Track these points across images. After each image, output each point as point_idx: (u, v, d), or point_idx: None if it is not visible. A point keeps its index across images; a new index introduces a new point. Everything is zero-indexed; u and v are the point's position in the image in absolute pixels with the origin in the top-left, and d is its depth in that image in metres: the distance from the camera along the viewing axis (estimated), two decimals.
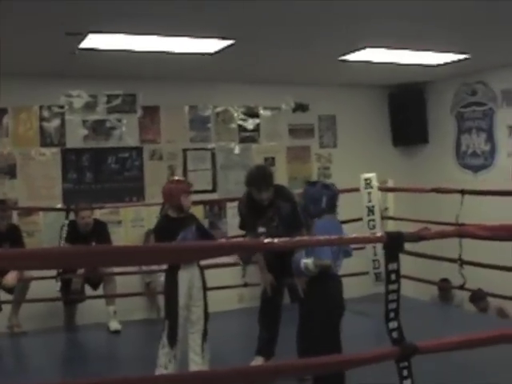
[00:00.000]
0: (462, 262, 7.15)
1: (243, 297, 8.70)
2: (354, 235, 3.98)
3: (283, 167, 10.26)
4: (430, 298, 9.47)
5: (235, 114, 10.10)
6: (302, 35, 7.26)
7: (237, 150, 10.05)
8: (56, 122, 9.09)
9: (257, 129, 10.21)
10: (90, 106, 9.25)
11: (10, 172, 8.80)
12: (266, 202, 5.63)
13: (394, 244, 3.46)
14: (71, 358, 6.90)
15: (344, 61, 8.57)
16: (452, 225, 6.74)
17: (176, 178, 7.29)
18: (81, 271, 7.64)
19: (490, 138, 10.09)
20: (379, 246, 7.10)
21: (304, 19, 6.58)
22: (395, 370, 3.59)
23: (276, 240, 3.35)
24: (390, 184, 8.86)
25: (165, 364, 5.21)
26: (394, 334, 3.55)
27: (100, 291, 7.90)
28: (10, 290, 7.48)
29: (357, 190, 8.21)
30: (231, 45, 7.40)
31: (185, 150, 9.75)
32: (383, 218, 8.32)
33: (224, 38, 7.20)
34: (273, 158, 10.20)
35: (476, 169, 10.29)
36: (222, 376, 3.41)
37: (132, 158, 9.44)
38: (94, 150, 9.26)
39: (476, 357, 4.80)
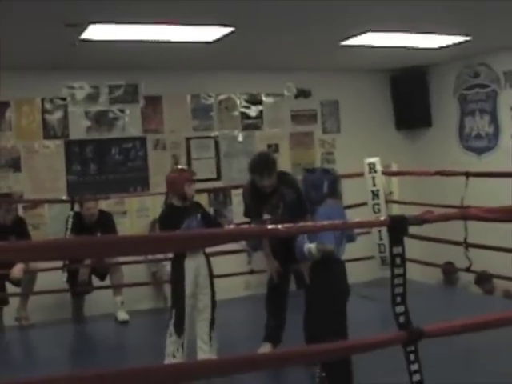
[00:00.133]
0: (468, 245, 7.14)
1: (250, 284, 8.71)
2: (357, 219, 3.97)
3: (287, 153, 10.25)
4: (437, 282, 9.47)
5: (238, 102, 10.09)
6: (302, 21, 7.23)
7: (240, 138, 10.04)
8: (59, 114, 9.10)
9: (260, 116, 10.20)
10: (92, 98, 9.25)
11: (15, 165, 8.82)
12: (268, 189, 5.62)
13: (397, 227, 3.46)
14: (80, 349, 6.92)
15: (345, 46, 8.54)
16: (457, 207, 6.74)
17: (179, 166, 7.32)
18: (87, 262, 7.66)
19: (494, 120, 10.06)
20: (384, 230, 7.10)
21: (304, 4, 6.55)
22: (402, 355, 3.60)
23: (280, 226, 3.35)
24: (394, 168, 8.86)
25: (173, 353, 5.23)
26: (401, 319, 3.55)
27: (107, 282, 7.92)
28: (17, 283, 7.50)
29: (361, 174, 8.21)
30: (231, 32, 7.38)
31: (188, 139, 9.75)
32: (388, 202, 8.32)
33: (224, 26, 7.18)
34: (276, 145, 10.19)
35: (480, 151, 10.27)
36: (229, 364, 3.42)
37: (135, 149, 9.45)
38: (98, 141, 9.26)
39: (483, 339, 4.80)
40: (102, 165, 9.24)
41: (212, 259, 5.59)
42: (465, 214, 3.93)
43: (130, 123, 9.45)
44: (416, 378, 3.52)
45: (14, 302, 7.59)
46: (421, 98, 10.89)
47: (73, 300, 8.06)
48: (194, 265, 5.36)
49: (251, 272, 8.06)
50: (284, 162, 9.50)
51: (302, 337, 4.90)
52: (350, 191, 9.61)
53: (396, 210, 8.33)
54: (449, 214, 4.05)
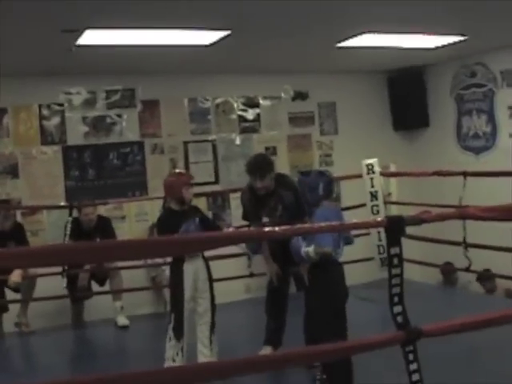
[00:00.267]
0: (467, 245, 7.14)
1: (250, 287, 8.70)
2: (354, 221, 3.97)
3: (285, 156, 10.25)
4: (437, 282, 9.47)
5: (235, 105, 10.09)
6: (299, 23, 7.23)
7: (238, 141, 10.04)
8: (56, 120, 9.10)
9: (257, 119, 10.21)
10: (89, 103, 9.25)
11: (13, 172, 8.81)
12: (262, 190, 5.61)
13: (395, 228, 3.46)
14: (80, 355, 6.92)
15: (342, 47, 8.55)
16: (455, 207, 6.73)
17: (177, 170, 7.32)
18: (87, 267, 7.65)
19: (491, 119, 10.06)
20: (383, 231, 7.10)
21: (301, 6, 6.55)
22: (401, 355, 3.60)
23: (277, 228, 3.35)
24: (392, 169, 8.86)
25: (172, 357, 5.23)
26: (399, 319, 3.55)
27: (106, 287, 7.92)
28: (16, 289, 7.50)
29: (359, 176, 8.22)
30: (227, 35, 7.39)
31: (186, 143, 9.75)
32: (386, 203, 8.32)
33: (220, 29, 7.19)
34: (274, 148, 10.19)
35: (478, 150, 10.28)
36: (230, 366, 3.42)
37: (133, 153, 9.45)
38: (95, 147, 9.26)
39: (483, 339, 4.80)
40: (100, 170, 9.24)
41: (212, 263, 5.59)
42: (463, 213, 3.92)
43: (127, 128, 9.45)
44: (415, 377, 3.52)
45: (14, 308, 7.59)
46: (418, 99, 10.89)
47: (72, 306, 8.06)
48: (192, 269, 5.36)
49: (251, 275, 8.06)
50: (282, 165, 9.52)
51: (302, 339, 4.91)
52: (348, 193, 9.73)
53: (395, 210, 8.32)
54: (446, 214, 4.04)
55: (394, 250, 3.44)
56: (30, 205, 8.75)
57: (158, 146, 9.58)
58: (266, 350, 5.61)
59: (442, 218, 3.75)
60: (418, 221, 3.53)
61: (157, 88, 9.46)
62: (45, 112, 9.04)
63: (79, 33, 6.77)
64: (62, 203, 8.61)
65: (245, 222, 6.16)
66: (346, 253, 4.94)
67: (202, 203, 8.40)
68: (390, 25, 7.63)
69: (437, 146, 10.77)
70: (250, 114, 10.16)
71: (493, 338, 5.11)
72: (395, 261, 3.46)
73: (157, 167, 9.38)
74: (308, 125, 10.53)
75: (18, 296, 7.59)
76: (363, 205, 8.18)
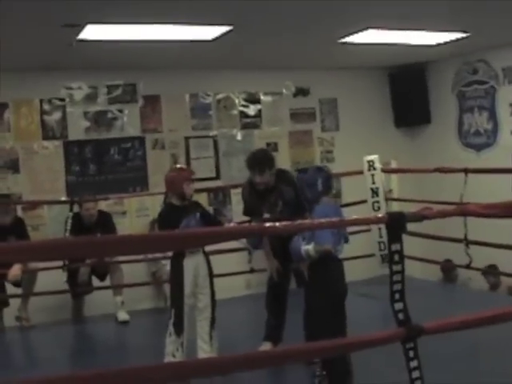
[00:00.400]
0: (468, 242, 7.14)
1: (250, 283, 8.70)
2: (355, 217, 3.96)
3: (286, 152, 10.24)
4: (438, 279, 9.48)
5: (236, 101, 10.08)
6: (301, 19, 7.22)
7: (239, 137, 10.03)
8: (57, 115, 9.08)
9: (258, 114, 10.20)
10: (90, 98, 9.24)
11: (13, 166, 8.80)
12: (261, 186, 5.60)
13: (396, 224, 3.46)
14: (80, 349, 6.93)
15: (344, 43, 8.53)
16: (456, 204, 6.73)
17: (178, 166, 7.31)
18: (87, 262, 7.65)
19: (493, 117, 10.05)
20: (384, 228, 7.10)
21: (302, 2, 6.54)
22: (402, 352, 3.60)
23: (278, 224, 3.35)
24: (393, 165, 8.86)
25: (172, 352, 5.23)
26: (400, 316, 3.55)
27: (107, 282, 7.92)
28: (17, 284, 7.50)
29: (360, 172, 8.20)
30: (229, 31, 7.38)
31: (187, 138, 9.74)
32: (388, 199, 8.32)
33: (222, 25, 7.18)
34: (275, 144, 10.18)
35: (479, 147, 10.27)
36: (230, 362, 3.42)
37: (134, 148, 9.44)
38: (97, 142, 9.25)
39: (484, 336, 4.80)
40: (101, 165, 9.23)
41: (212, 258, 5.59)
42: (464, 210, 3.93)
43: (128, 123, 9.44)
44: (415, 374, 3.52)
45: (15, 302, 7.59)
46: (419, 95, 10.88)
47: (73, 301, 8.06)
48: (192, 264, 5.36)
49: (251, 271, 8.05)
50: (283, 161, 9.49)
51: (302, 336, 4.90)
52: (349, 189, 9.73)
53: (396, 207, 8.34)
54: (447, 211, 4.03)
55: (395, 247, 3.44)
56: (30, 199, 8.74)
57: (159, 142, 9.57)
58: (266, 346, 5.61)
59: (443, 214, 3.75)
60: (419, 217, 3.53)
61: (158, 83, 9.45)
62: (46, 107, 9.03)
63: (80, 28, 6.76)
64: (63, 198, 8.62)
65: (246, 218, 6.15)
66: (347, 249, 4.93)
67: (203, 199, 8.40)
68: (392, 21, 7.62)
69: (438, 143, 10.76)
70: (252, 110, 10.15)
71: (493, 336, 5.11)
72: (396, 257, 3.46)
73: (158, 162, 9.38)
74: (309, 121, 10.53)
75: (18, 290, 7.60)
76: (364, 201, 8.17)
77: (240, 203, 6.21)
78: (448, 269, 9.26)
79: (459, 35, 8.64)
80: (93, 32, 6.95)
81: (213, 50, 8.25)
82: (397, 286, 3.52)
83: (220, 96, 9.99)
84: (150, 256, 8.47)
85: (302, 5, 6.63)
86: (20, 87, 8.63)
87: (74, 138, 9.13)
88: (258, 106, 10.21)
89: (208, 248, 5.47)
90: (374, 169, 8.13)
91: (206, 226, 5.34)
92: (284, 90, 10.37)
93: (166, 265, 7.50)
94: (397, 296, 3.53)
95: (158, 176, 8.25)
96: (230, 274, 7.75)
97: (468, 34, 8.60)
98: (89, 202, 7.85)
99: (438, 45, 9.09)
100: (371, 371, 5.04)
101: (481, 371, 5.07)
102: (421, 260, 8.04)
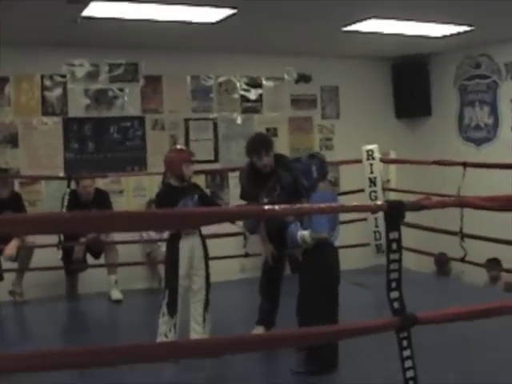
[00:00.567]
0: (463, 235, 7.14)
1: (245, 267, 8.72)
2: (354, 203, 3.96)
3: (285, 138, 10.23)
4: (431, 271, 9.50)
5: (238, 84, 10.06)
6: (305, 5, 7.20)
7: (239, 121, 10.02)
8: (58, 91, 9.06)
9: (259, 99, 10.18)
10: (92, 75, 9.21)
11: (12, 141, 8.78)
12: (267, 168, 5.60)
13: (395, 213, 3.45)
14: (73, 327, 6.93)
15: (348, 32, 8.52)
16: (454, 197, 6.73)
17: (178, 147, 7.29)
18: (82, 240, 7.66)
19: (494, 111, 10.05)
20: (380, 218, 7.10)
21: None
22: (395, 341, 3.60)
23: (277, 207, 3.34)
24: (392, 156, 8.86)
25: (165, 332, 5.24)
26: (395, 304, 3.55)
27: (101, 260, 7.92)
28: (12, 259, 7.49)
29: (359, 161, 8.20)
30: (233, 14, 7.36)
31: (187, 120, 9.72)
32: (385, 189, 8.32)
33: (226, 7, 7.15)
34: (275, 129, 10.17)
35: (479, 142, 10.27)
36: (221, 344, 3.43)
37: (134, 128, 9.42)
38: (96, 120, 9.23)
39: (477, 329, 4.82)
40: (100, 143, 9.21)
41: (208, 241, 5.58)
42: (462, 201, 3.93)
43: (129, 102, 9.42)
44: (408, 364, 3.53)
45: (9, 276, 7.59)
46: (421, 87, 10.87)
47: (67, 277, 8.06)
48: (188, 246, 5.36)
49: (246, 255, 8.06)
50: (282, 146, 9.48)
51: (295, 321, 4.91)
52: (347, 178, 9.73)
53: (393, 197, 8.31)
54: (446, 201, 4.04)
55: (393, 235, 3.44)
56: (28, 175, 8.73)
57: (158, 122, 9.55)
58: (259, 330, 5.62)
59: (442, 204, 3.75)
60: (418, 206, 3.53)
61: (160, 64, 9.42)
62: (47, 83, 9.00)
63: (85, 4, 6.74)
64: (61, 174, 8.60)
65: (243, 202, 6.15)
66: (342, 237, 4.94)
67: (200, 181, 8.38)
68: (397, 11, 7.61)
69: (438, 136, 10.76)
70: (253, 94, 10.13)
71: (485, 329, 5.12)
72: (394, 246, 3.46)
73: (157, 143, 9.36)
74: (310, 108, 10.51)
75: (13, 265, 7.59)
76: (361, 190, 8.17)
77: (237, 187, 6.20)
78: (442, 262, 9.28)
79: (463, 28, 8.63)
80: (97, 9, 6.94)
81: (216, 33, 8.23)
82: (393, 275, 3.52)
83: (221, 79, 9.97)
84: (145, 237, 8.50)
85: None
86: (21, 62, 8.60)
87: (73, 115, 9.11)
88: (259, 91, 10.19)
89: (204, 231, 5.47)
90: (373, 158, 8.13)
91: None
92: (286, 76, 10.36)
93: (161, 246, 7.53)
94: (393, 285, 3.53)
95: (157, 156, 8.24)
96: (225, 257, 7.76)
97: (472, 28, 8.59)
98: (86, 179, 7.84)
99: (443, 37, 9.08)
100: (362, 360, 5.05)
101: (472, 362, 5.09)
102: (415, 251, 8.04)
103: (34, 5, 6.66)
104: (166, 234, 5.94)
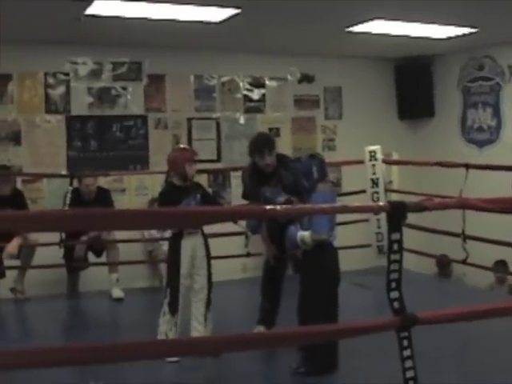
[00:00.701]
0: (465, 237, 7.14)
1: (246, 266, 8.72)
2: (356, 204, 3.97)
3: (288, 138, 10.23)
4: (433, 273, 9.50)
5: (241, 84, 10.06)
6: (309, 5, 7.20)
7: (242, 120, 10.03)
8: (61, 89, 9.06)
9: (262, 99, 10.18)
10: (95, 74, 9.22)
11: (15, 138, 8.79)
12: (269, 168, 5.60)
13: (397, 213, 3.45)
14: (73, 325, 6.94)
15: (351, 32, 8.52)
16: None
17: (181, 146, 7.30)
18: (84, 238, 7.67)
19: (497, 113, 10.05)
20: (383, 219, 7.11)
21: None
22: (395, 341, 3.60)
23: (278, 207, 3.35)
24: (394, 157, 8.86)
25: (165, 331, 5.25)
26: (395, 304, 3.55)
27: (103, 259, 7.93)
28: (15, 256, 7.50)
29: (361, 162, 8.21)
30: (237, 14, 7.36)
31: (190, 119, 9.72)
32: (387, 190, 8.32)
33: (231, 7, 7.16)
34: (277, 129, 10.17)
35: (481, 144, 10.26)
36: (222, 342, 3.43)
37: (137, 127, 9.42)
38: (99, 118, 9.23)
39: (478, 330, 4.82)
40: (103, 142, 9.22)
41: (209, 240, 5.58)
42: (464, 203, 3.93)
43: (132, 101, 9.42)
44: (408, 364, 3.53)
45: (11, 273, 7.60)
46: (424, 89, 10.86)
47: (68, 275, 8.07)
48: (190, 245, 5.36)
49: (248, 255, 8.06)
50: (285, 146, 9.48)
51: (296, 321, 4.91)
52: (349, 178, 9.73)
53: (395, 198, 8.29)
54: (448, 203, 4.05)
55: (395, 236, 3.44)
56: (30, 172, 8.73)
57: (161, 121, 9.56)
58: (259, 330, 5.62)
59: (444, 206, 3.75)
60: (420, 207, 3.53)
61: (163, 63, 9.42)
62: (50, 80, 9.01)
63: (88, 2, 6.74)
64: (63, 172, 8.61)
65: (244, 201, 6.15)
66: (344, 238, 4.94)
67: (203, 180, 8.37)
68: (401, 12, 7.61)
69: (441, 137, 10.75)
70: (256, 94, 10.14)
71: (485, 331, 5.12)
72: (395, 246, 3.46)
73: (159, 142, 9.37)
74: (313, 108, 10.51)
75: (15, 263, 7.59)
76: (363, 191, 8.17)
77: (239, 186, 6.20)
78: (443, 263, 9.27)
79: (467, 30, 8.64)
80: (101, 7, 6.95)
81: (220, 33, 8.23)
82: (394, 275, 3.52)
83: (225, 79, 9.97)
84: (146, 236, 8.51)
85: None
86: (25, 59, 8.61)
87: (76, 113, 9.11)
88: (263, 91, 10.20)
89: (206, 230, 5.47)
90: (375, 159, 8.13)
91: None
92: (289, 76, 10.36)
93: (163, 244, 7.54)
94: (393, 285, 3.53)
95: (159, 155, 8.26)
96: (227, 256, 7.76)
97: (476, 30, 8.59)
98: (89, 177, 7.85)
99: (446, 39, 9.08)
100: (363, 360, 5.05)
101: (472, 363, 5.09)
102: (416, 253, 8.04)
103: (37, 2, 6.67)
104: (167, 233, 5.94)
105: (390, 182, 8.60)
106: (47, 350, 3.08)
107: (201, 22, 7.70)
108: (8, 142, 8.73)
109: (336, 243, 4.95)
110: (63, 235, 7.56)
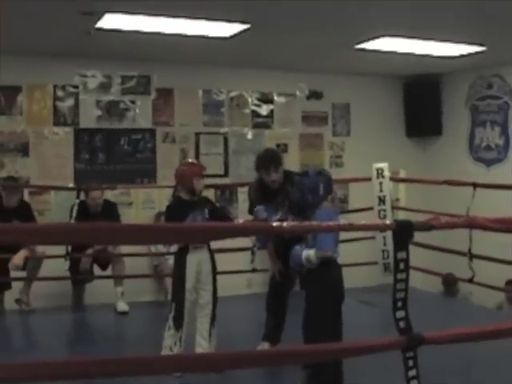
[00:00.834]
0: (472, 256, 7.12)
1: (252, 282, 8.70)
2: (363, 222, 3.95)
3: (295, 154, 10.24)
4: (439, 291, 9.46)
5: (249, 99, 10.09)
6: (318, 22, 7.23)
7: (249, 136, 10.04)
8: (70, 102, 9.10)
9: (270, 115, 10.20)
10: (104, 87, 9.26)
11: (23, 150, 8.82)
12: (276, 184, 5.57)
13: (403, 232, 3.43)
14: (78, 337, 6.92)
15: (360, 49, 8.53)
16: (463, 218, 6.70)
17: (189, 160, 7.29)
18: (90, 251, 7.66)
19: (505, 132, 10.04)
20: (389, 236, 7.09)
21: (321, 6, 6.54)
22: (401, 361, 3.58)
23: (285, 224, 3.34)
24: (402, 175, 8.86)
25: (170, 346, 5.22)
26: (401, 324, 3.52)
27: (108, 272, 7.92)
28: (20, 268, 7.49)
29: (368, 179, 8.18)
30: (247, 29, 7.38)
31: (197, 134, 9.75)
32: (394, 208, 8.30)
33: (240, 22, 7.18)
34: (285, 145, 10.18)
35: (489, 162, 10.25)
36: (226, 358, 3.41)
37: (145, 140, 9.45)
38: (107, 131, 9.26)
39: (483, 349, 4.79)
40: (111, 155, 9.24)
41: (215, 256, 5.56)
42: (471, 222, 3.91)
43: (140, 115, 9.45)
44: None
45: (16, 285, 7.60)
46: (432, 106, 10.87)
47: (73, 288, 8.06)
48: (196, 260, 5.34)
49: (254, 270, 8.04)
50: (292, 163, 9.48)
51: (301, 337, 4.89)
52: (356, 195, 9.74)
53: (402, 216, 8.31)
54: (456, 222, 4.03)
55: (401, 255, 3.42)
56: (38, 184, 8.74)
57: (169, 135, 9.58)
58: (264, 346, 5.60)
59: (452, 225, 3.74)
60: (427, 226, 3.50)
61: (172, 77, 9.46)
62: (59, 93, 9.05)
63: (99, 16, 6.77)
64: (70, 185, 8.62)
65: (251, 217, 6.13)
66: (350, 255, 4.92)
67: (210, 195, 8.36)
68: (410, 30, 7.62)
69: (448, 155, 10.75)
70: (264, 110, 10.15)
71: (490, 351, 5.09)
72: (401, 265, 3.43)
73: (167, 156, 9.39)
74: (321, 124, 10.52)
75: (21, 274, 7.58)
76: (370, 208, 8.15)
77: (246, 202, 6.18)
78: (449, 282, 9.24)
79: (476, 49, 8.64)
80: (111, 21, 6.97)
81: (229, 48, 8.26)
82: (400, 294, 3.50)
83: (233, 94, 10.00)
84: (153, 250, 8.50)
85: (320, 9, 6.63)
86: (34, 72, 8.66)
87: (85, 125, 9.15)
88: (271, 107, 10.22)
89: (212, 245, 5.45)
90: (383, 177, 8.11)
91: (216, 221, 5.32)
92: (297, 92, 10.38)
93: (169, 258, 7.52)
94: (399, 304, 3.51)
95: (167, 169, 8.27)
96: (233, 272, 7.74)
97: (484, 48, 8.60)
98: (96, 190, 7.85)
99: (455, 57, 9.09)
100: (367, 379, 5.02)
101: None
102: (422, 271, 8.01)
103: (47, 16, 6.71)
104: (173, 248, 5.92)
105: (397, 199, 8.59)
106: (52, 363, 3.07)
107: (210, 37, 7.72)
108: (16, 154, 8.77)
109: (340, 260, 4.93)
110: (69, 248, 7.55)
